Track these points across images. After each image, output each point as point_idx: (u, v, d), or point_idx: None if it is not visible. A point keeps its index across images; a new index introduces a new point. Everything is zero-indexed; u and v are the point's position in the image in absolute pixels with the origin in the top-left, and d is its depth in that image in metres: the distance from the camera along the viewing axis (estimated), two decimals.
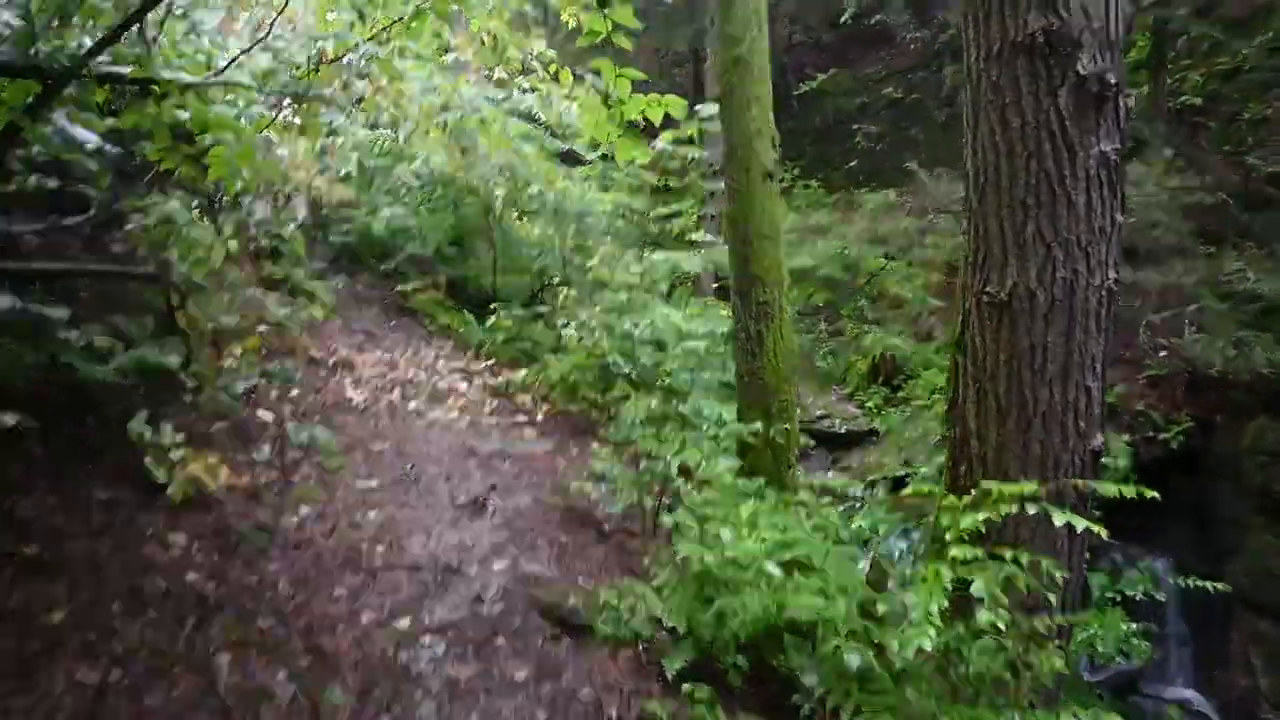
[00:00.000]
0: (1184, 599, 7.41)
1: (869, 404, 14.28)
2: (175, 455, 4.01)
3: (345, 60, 5.45)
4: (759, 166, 7.01)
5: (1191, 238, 9.08)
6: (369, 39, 7.88)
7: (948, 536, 3.42)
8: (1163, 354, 8.13)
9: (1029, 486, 3.33)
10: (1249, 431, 8.66)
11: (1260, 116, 10.98)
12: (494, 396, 7.45)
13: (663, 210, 16.18)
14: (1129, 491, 3.24)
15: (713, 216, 16.86)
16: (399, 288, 11.40)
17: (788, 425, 6.99)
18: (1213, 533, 8.33)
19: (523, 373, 7.61)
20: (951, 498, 3.61)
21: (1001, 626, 3.06)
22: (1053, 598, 3.38)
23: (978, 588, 3.15)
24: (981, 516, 3.39)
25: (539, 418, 6.86)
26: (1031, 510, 3.23)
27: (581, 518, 4.79)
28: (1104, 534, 3.11)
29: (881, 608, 3.48)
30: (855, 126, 20.46)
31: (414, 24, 6.65)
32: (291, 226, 8.60)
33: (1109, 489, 3.30)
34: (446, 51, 8.24)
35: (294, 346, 8.49)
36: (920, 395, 13.95)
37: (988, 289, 3.84)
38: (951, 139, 18.29)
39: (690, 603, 3.28)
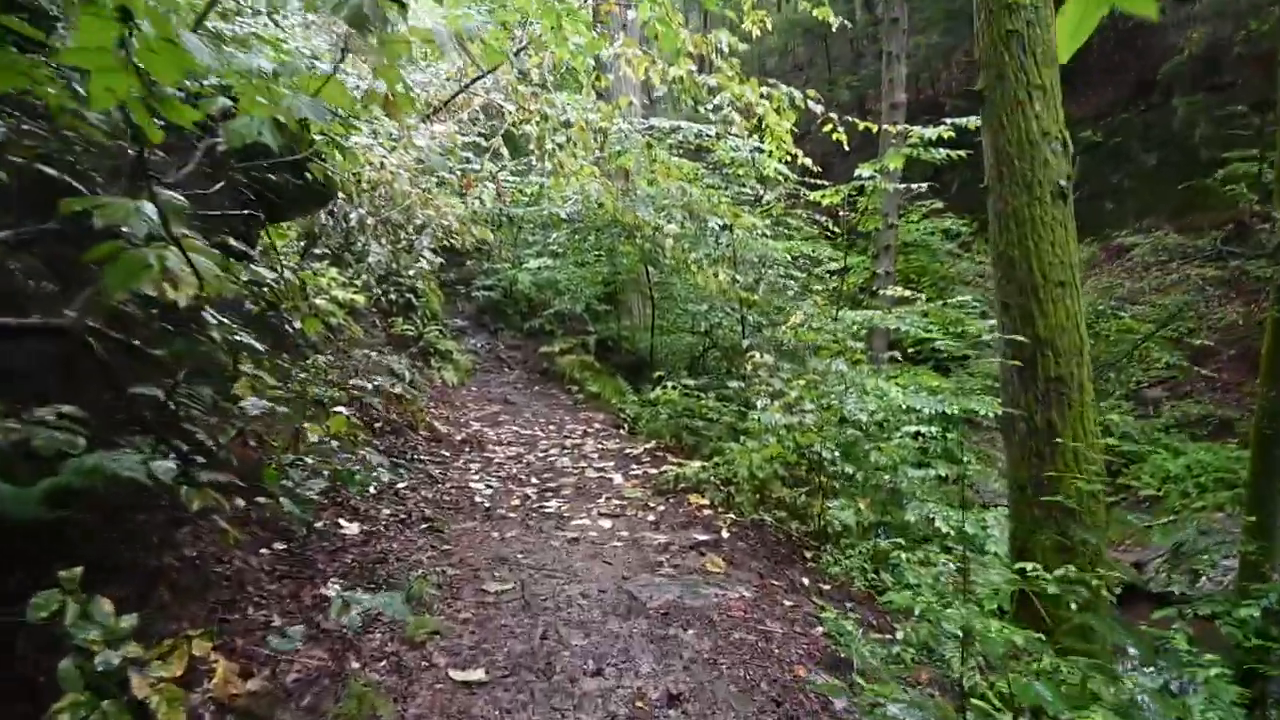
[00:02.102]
0: None
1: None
2: (114, 657, 2.08)
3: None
4: (1047, 182, 4.69)
5: None
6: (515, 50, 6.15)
7: None
8: None
9: None
10: None
11: None
12: (658, 495, 5.34)
13: (830, 265, 13.91)
14: None
15: (888, 272, 14.44)
16: (544, 348, 9.62)
17: (1101, 568, 4.54)
18: None
19: (695, 464, 5.48)
20: None
21: None
22: None
23: None
24: None
25: (723, 533, 4.68)
26: None
27: None
28: None
29: None
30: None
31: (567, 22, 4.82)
32: (413, 271, 6.92)
33: None
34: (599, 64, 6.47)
35: (416, 419, 6.74)
36: (1146, 484, 10.92)
37: None
38: (1166, 186, 15.14)
39: None
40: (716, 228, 6.44)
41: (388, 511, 4.54)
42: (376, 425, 6.19)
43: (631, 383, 8.68)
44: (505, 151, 7.78)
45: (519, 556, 4.14)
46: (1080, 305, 4.74)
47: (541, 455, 6.35)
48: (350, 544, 3.92)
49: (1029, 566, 4.12)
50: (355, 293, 7.69)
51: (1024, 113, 4.70)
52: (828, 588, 4.38)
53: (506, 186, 9.76)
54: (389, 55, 2.61)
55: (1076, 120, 18.98)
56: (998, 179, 4.79)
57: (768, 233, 8.80)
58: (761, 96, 5.34)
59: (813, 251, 10.30)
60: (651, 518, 4.92)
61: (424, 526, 4.50)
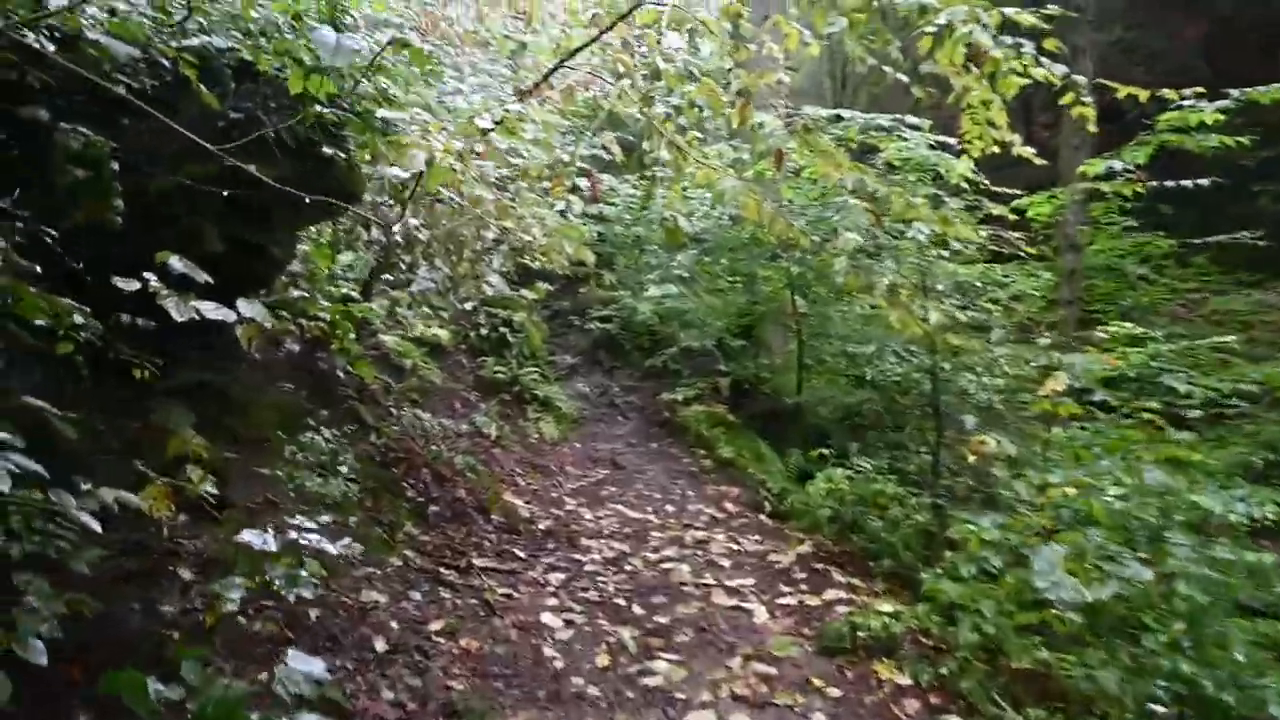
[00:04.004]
0: None
1: None
2: None
3: None
4: None
5: None
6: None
7: None
8: None
9: None
10: None
11: None
12: (826, 656, 3.30)
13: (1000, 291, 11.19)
14: None
15: (1070, 301, 11.59)
16: (665, 394, 7.71)
17: None
18: None
19: (884, 607, 3.40)
20: None
21: None
22: None
23: None
24: None
25: None
26: None
27: None
28: None
29: None
30: (1256, 188, 13.92)
31: None
32: (471, 304, 5.18)
33: None
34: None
35: (490, 496, 4.98)
36: None
37: None
38: None
39: None
40: (921, 241, 4.34)
41: (389, 696, 2.72)
42: (431, 511, 4.47)
43: (774, 442, 6.64)
44: (617, 151, 5.92)
45: None
46: None
47: (652, 558, 4.43)
48: None
49: None
50: (439, 327, 6.05)
51: None
52: None
53: (619, 204, 7.99)
54: None
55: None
56: None
57: (944, 254, 6.58)
58: (997, 33, 3.27)
59: (1005, 276, 7.92)
60: (821, 711, 2.88)
61: None
